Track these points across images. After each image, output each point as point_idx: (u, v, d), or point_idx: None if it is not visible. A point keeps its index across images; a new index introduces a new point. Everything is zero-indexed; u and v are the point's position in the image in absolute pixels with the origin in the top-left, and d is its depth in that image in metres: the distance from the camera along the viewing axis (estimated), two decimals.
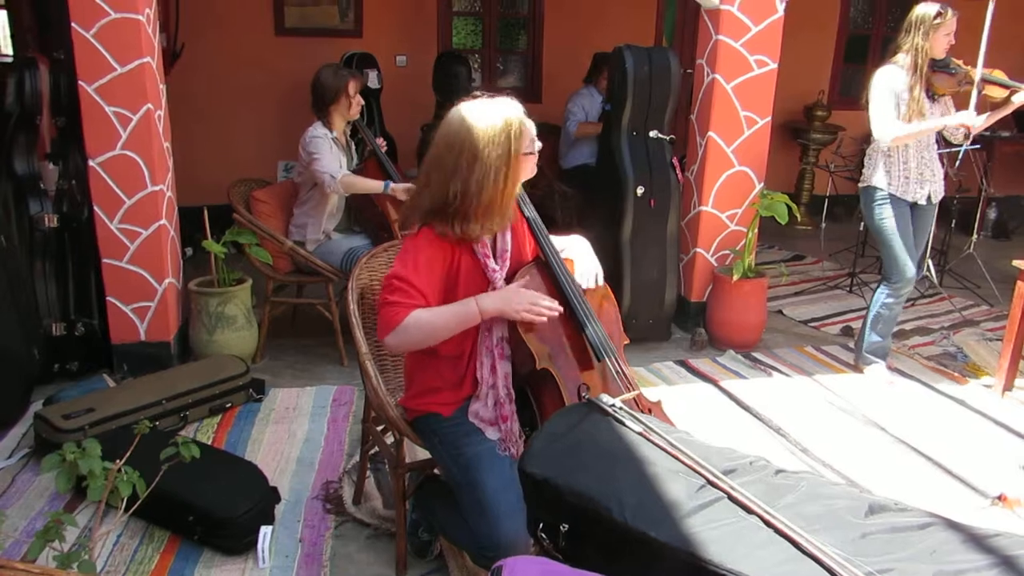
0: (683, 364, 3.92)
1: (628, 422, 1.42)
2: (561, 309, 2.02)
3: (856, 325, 4.24)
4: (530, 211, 2.19)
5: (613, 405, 1.46)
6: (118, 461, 1.59)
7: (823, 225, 5.75)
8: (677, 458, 1.33)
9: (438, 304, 2.00)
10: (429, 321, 1.92)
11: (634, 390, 2.10)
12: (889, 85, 3.41)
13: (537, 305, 1.96)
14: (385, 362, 2.51)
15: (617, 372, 2.10)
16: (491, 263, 2.06)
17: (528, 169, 2.00)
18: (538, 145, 2.01)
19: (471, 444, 2.04)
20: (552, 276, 2.14)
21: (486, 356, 2.07)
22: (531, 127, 1.98)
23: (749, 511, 1.23)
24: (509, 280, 2.10)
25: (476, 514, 1.94)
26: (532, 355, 2.02)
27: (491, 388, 2.08)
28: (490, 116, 1.92)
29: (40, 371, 3.36)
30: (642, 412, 2.13)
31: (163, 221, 3.41)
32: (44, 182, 3.35)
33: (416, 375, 2.18)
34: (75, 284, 3.44)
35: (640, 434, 1.39)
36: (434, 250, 1.99)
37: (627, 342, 2.28)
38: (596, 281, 2.21)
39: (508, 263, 2.11)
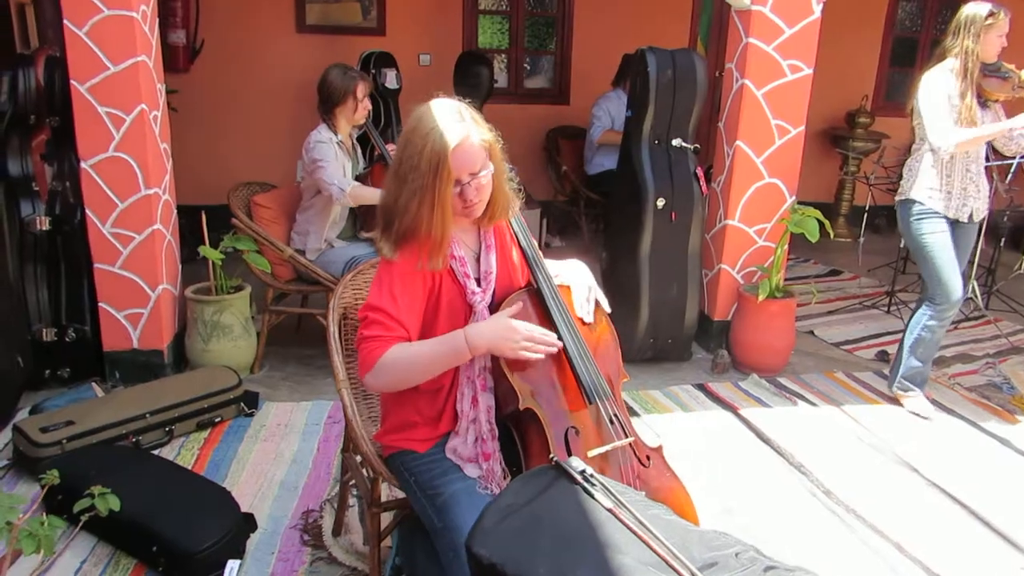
0: (702, 388, 3.68)
1: (598, 495, 1.21)
2: (561, 344, 1.82)
3: (892, 350, 3.95)
4: (522, 231, 1.99)
5: (583, 472, 1.25)
6: (21, 517, 1.43)
7: (862, 239, 5.43)
8: (649, 545, 1.12)
9: (419, 335, 1.83)
10: (411, 358, 1.75)
11: (629, 436, 1.89)
12: (941, 90, 3.12)
13: (534, 341, 1.76)
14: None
15: (611, 417, 1.89)
16: (471, 284, 1.87)
17: (475, 193, 1.77)
18: (487, 171, 1.77)
19: (448, 483, 1.84)
20: (543, 306, 1.93)
21: (467, 387, 1.88)
22: (467, 156, 1.72)
23: None
24: (495, 308, 1.90)
25: (453, 560, 1.75)
26: (515, 392, 1.82)
27: (472, 423, 1.89)
28: (421, 135, 1.72)
29: (30, 377, 3.27)
30: (639, 460, 1.94)
31: (157, 226, 3.29)
32: (37, 183, 3.24)
33: (392, 408, 2.00)
34: (67, 289, 3.32)
35: (610, 511, 1.19)
36: (413, 273, 1.81)
37: (626, 379, 2.07)
38: (596, 310, 2.00)
39: (492, 285, 1.92)
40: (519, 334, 1.75)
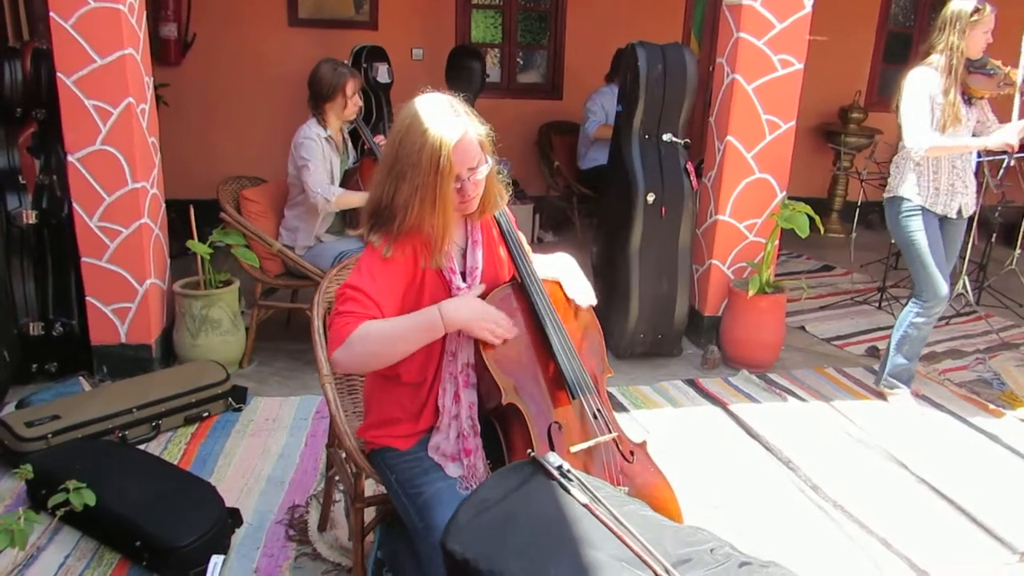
0: (692, 384, 3.68)
1: (574, 490, 1.21)
2: (512, 334, 1.82)
3: (883, 345, 3.95)
4: (508, 225, 1.98)
5: (560, 467, 1.25)
6: None
7: (854, 234, 5.43)
8: (624, 541, 1.12)
9: None
10: (383, 331, 1.70)
11: (612, 432, 1.88)
12: (924, 88, 3.12)
13: (499, 326, 1.78)
14: (354, 382, 2.33)
15: (594, 412, 1.88)
16: (457, 280, 1.86)
17: (473, 188, 1.77)
18: (485, 166, 1.76)
19: (429, 482, 1.83)
20: (528, 300, 1.93)
21: (449, 382, 1.87)
22: (467, 152, 1.71)
23: None
24: None
25: (433, 562, 1.74)
26: (498, 387, 1.81)
27: (454, 419, 1.87)
28: (418, 132, 1.70)
29: (17, 372, 3.25)
30: (623, 455, 1.93)
31: (145, 219, 3.27)
32: (24, 176, 3.22)
33: (374, 403, 1.99)
34: (54, 283, 3.31)
35: (585, 506, 1.18)
36: (395, 263, 1.79)
37: (611, 374, 2.07)
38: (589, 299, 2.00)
39: (478, 280, 1.90)
40: (492, 316, 1.77)
